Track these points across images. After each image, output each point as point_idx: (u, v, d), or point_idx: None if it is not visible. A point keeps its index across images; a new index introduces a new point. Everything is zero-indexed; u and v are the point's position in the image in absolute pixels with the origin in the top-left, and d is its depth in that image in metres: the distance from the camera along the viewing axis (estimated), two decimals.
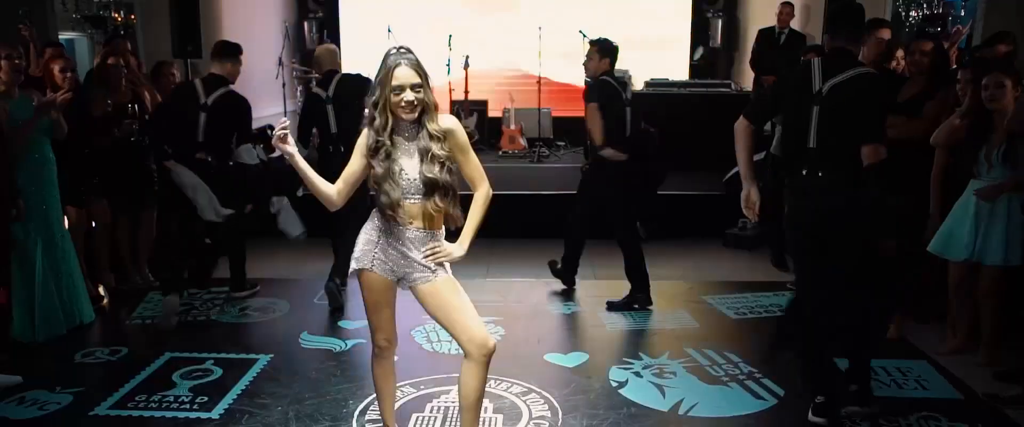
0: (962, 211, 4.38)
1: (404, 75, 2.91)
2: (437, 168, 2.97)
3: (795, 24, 8.45)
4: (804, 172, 3.74)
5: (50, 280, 4.79)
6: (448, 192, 3.01)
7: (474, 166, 3.12)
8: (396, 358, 4.44)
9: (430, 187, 2.98)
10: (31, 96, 4.70)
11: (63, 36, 7.67)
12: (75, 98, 5.26)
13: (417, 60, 2.96)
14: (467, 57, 9.86)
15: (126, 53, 5.95)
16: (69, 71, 5.28)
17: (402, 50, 2.98)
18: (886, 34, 5.49)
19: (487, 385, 4.11)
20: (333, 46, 6.24)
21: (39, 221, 4.71)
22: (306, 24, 10.40)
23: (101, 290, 5.62)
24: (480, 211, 3.12)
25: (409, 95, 2.91)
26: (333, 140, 5.43)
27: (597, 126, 5.33)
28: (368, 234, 3.16)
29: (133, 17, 8.07)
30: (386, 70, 2.93)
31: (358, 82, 5.27)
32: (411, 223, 3.05)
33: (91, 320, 5.08)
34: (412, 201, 3.02)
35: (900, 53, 5.93)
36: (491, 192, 3.16)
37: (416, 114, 2.96)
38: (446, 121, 3.04)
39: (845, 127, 3.63)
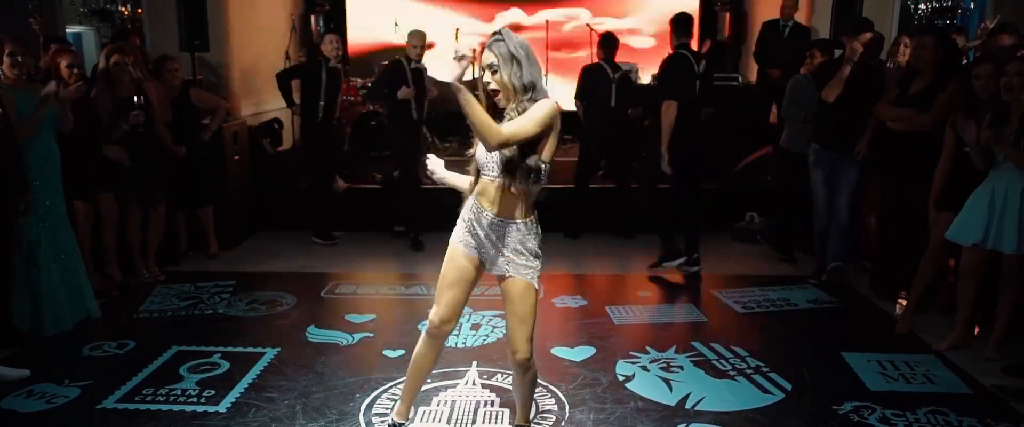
0: (979, 199, 4.36)
1: (484, 58, 3.00)
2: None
3: (800, 17, 8.40)
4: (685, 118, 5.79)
5: (55, 275, 4.80)
6: (521, 174, 2.93)
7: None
8: (403, 352, 4.49)
9: (505, 167, 2.97)
10: (37, 90, 4.72)
11: (71, 30, 7.68)
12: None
13: (503, 44, 2.96)
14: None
15: (136, 50, 5.95)
16: (76, 66, 5.28)
17: (495, 37, 3.00)
18: (864, 38, 5.62)
19: (493, 378, 4.16)
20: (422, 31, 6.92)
21: (43, 215, 4.72)
22: (313, 17, 10.38)
23: (110, 282, 5.64)
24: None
25: (487, 76, 2.99)
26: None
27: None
28: (462, 212, 3.19)
29: (140, 11, 8.06)
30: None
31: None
32: (490, 207, 3.05)
33: (96, 315, 5.10)
34: (487, 178, 3.05)
35: (903, 46, 5.93)
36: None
37: (503, 99, 2.98)
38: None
39: (711, 93, 6.06)
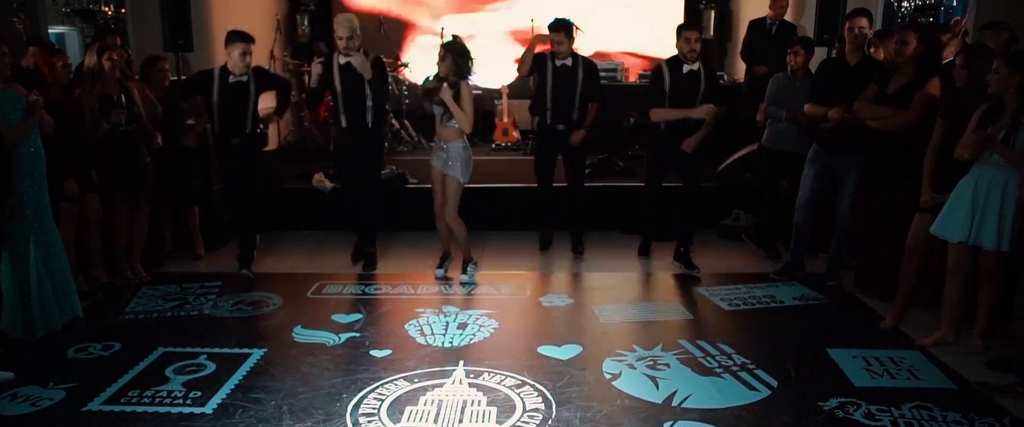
0: (962, 194, 4.37)
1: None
2: None
3: (787, 15, 8.44)
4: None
5: (44, 275, 4.77)
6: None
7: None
8: (389, 352, 4.51)
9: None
10: (17, 90, 4.69)
11: (53, 30, 7.61)
12: (65, 93, 5.26)
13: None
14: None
15: (118, 49, 5.91)
16: (68, 65, 5.29)
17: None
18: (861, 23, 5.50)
19: (479, 378, 4.17)
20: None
21: (31, 216, 4.69)
22: (298, 17, 10.35)
23: (94, 283, 5.61)
24: None
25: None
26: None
27: None
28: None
29: (124, 11, 8.01)
30: None
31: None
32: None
33: (81, 315, 5.07)
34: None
35: (873, 49, 5.89)
36: None
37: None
38: None
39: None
